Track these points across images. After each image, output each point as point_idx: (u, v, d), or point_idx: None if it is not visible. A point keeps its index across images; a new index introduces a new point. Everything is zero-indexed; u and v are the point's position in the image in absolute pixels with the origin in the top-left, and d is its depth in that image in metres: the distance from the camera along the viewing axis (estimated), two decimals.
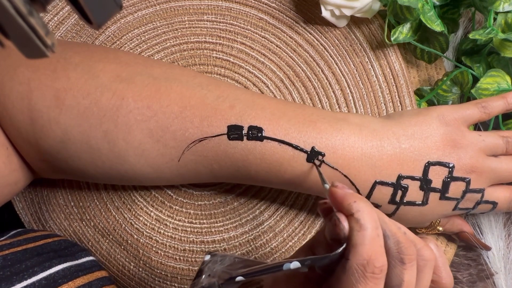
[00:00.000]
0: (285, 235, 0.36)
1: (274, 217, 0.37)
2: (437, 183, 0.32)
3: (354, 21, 0.39)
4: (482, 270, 0.37)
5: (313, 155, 0.30)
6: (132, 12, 0.39)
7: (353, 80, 0.38)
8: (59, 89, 0.30)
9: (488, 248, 0.37)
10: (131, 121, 0.30)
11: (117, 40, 0.39)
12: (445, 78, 0.38)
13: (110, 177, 0.33)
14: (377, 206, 0.32)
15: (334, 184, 0.25)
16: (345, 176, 0.31)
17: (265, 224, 0.37)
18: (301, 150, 0.30)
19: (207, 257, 0.25)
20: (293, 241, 0.36)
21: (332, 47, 0.39)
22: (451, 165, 0.31)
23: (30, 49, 0.17)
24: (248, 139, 0.30)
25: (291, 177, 0.31)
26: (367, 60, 0.39)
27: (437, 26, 0.36)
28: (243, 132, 0.30)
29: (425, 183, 0.31)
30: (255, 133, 0.30)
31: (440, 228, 0.35)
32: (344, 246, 0.23)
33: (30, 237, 0.32)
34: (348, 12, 0.37)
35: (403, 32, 0.38)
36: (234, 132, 0.30)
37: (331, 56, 0.39)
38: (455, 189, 0.32)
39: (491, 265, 0.37)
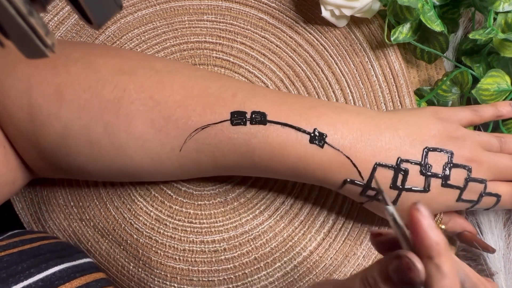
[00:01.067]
0: (285, 235, 0.36)
1: (274, 217, 0.37)
2: (437, 168, 0.31)
3: (354, 21, 0.39)
4: (482, 270, 0.37)
5: (316, 136, 0.31)
6: (132, 12, 0.39)
7: (353, 80, 0.38)
8: (59, 83, 0.30)
9: (491, 250, 0.36)
10: (132, 112, 0.30)
11: (117, 40, 0.39)
12: (445, 78, 0.38)
13: (109, 172, 0.32)
14: (380, 191, 0.32)
15: (416, 206, 0.21)
16: (347, 157, 0.31)
17: (265, 224, 0.37)
18: (304, 131, 0.30)
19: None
20: (293, 241, 0.36)
21: (332, 47, 0.39)
22: (449, 151, 0.32)
23: (30, 49, 0.17)
24: (251, 123, 0.30)
25: (295, 161, 0.31)
26: (367, 60, 0.39)
27: (437, 26, 0.36)
28: (246, 117, 0.30)
29: (425, 168, 0.31)
30: (258, 118, 0.30)
31: (443, 226, 0.35)
32: None
33: (27, 239, 0.31)
34: (348, 12, 0.37)
35: (403, 32, 0.38)
36: (237, 117, 0.30)
37: (331, 56, 0.39)
38: (457, 176, 0.32)
39: (491, 265, 0.37)
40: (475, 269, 0.37)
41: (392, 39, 0.37)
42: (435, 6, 0.39)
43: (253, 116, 0.30)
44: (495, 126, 0.39)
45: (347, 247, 0.37)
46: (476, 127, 0.40)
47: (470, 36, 0.36)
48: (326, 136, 0.31)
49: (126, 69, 0.31)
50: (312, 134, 0.31)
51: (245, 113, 0.30)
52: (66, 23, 0.39)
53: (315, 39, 0.39)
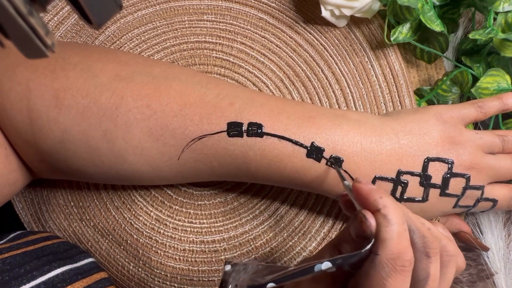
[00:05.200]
0: (285, 235, 0.36)
1: (274, 217, 0.37)
2: (436, 179, 0.32)
3: (354, 21, 0.39)
4: (482, 270, 0.37)
5: (313, 151, 0.30)
6: (132, 12, 0.39)
7: (353, 80, 0.38)
8: (58, 88, 0.30)
9: (486, 249, 0.37)
10: (130, 120, 0.30)
11: (117, 40, 0.39)
12: (445, 78, 0.38)
13: (109, 176, 0.33)
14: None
15: (357, 179, 0.25)
16: (345, 171, 0.31)
17: (265, 224, 0.37)
18: (301, 145, 0.30)
19: (228, 267, 0.25)
20: (293, 241, 0.36)
21: (332, 47, 0.39)
22: (450, 161, 0.31)
23: (30, 49, 0.17)
24: (248, 135, 0.30)
25: (291, 173, 0.31)
26: (367, 60, 0.39)
27: (436, 26, 0.36)
28: (243, 128, 0.30)
29: (424, 179, 0.31)
30: (255, 129, 0.30)
31: None
32: (372, 242, 0.23)
33: (30, 240, 0.31)
34: (348, 12, 0.37)
35: (402, 32, 0.38)
36: (234, 129, 0.30)
37: (331, 56, 0.39)
38: (455, 185, 0.32)
39: (491, 265, 0.37)
40: (475, 269, 0.38)
41: (392, 39, 0.37)
42: (435, 6, 0.39)
43: (250, 128, 0.30)
44: (495, 126, 0.39)
45: None
46: (476, 125, 0.40)
47: (470, 36, 0.36)
48: (323, 150, 0.30)
49: (124, 75, 0.31)
50: (309, 148, 0.30)
51: (241, 124, 0.30)
52: (66, 23, 0.39)
53: (315, 39, 0.39)
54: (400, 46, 0.40)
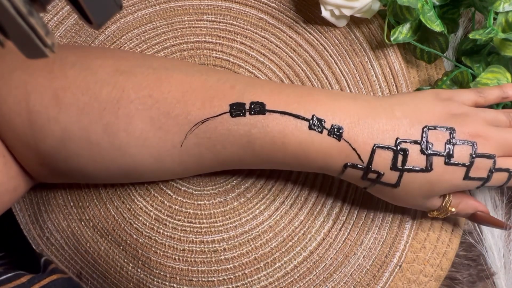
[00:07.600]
0: (285, 235, 0.36)
1: (274, 216, 0.37)
2: (439, 147, 0.31)
3: (354, 21, 0.39)
4: (482, 270, 0.37)
5: (314, 122, 0.31)
6: (132, 12, 0.39)
7: (353, 80, 0.38)
8: (57, 88, 0.30)
9: (504, 226, 0.34)
10: (132, 112, 0.30)
11: (117, 40, 0.39)
12: (445, 78, 0.38)
13: (110, 173, 0.32)
14: (380, 174, 0.32)
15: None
16: (345, 141, 0.31)
17: (265, 224, 0.37)
18: (303, 118, 0.31)
19: None
20: (293, 241, 0.36)
21: (332, 47, 0.39)
22: (451, 128, 0.31)
23: (30, 49, 0.17)
24: (250, 114, 0.31)
25: (295, 148, 0.31)
26: (367, 60, 0.39)
27: (436, 26, 0.36)
28: (245, 107, 0.31)
29: (425, 146, 0.31)
30: (257, 108, 0.31)
31: (453, 209, 0.33)
32: None
33: None
34: (347, 12, 0.37)
35: (402, 32, 0.38)
36: (237, 109, 0.31)
37: (331, 56, 0.39)
38: (461, 152, 0.31)
39: (491, 265, 0.37)
40: (475, 269, 0.38)
41: (392, 39, 0.37)
42: (435, 6, 0.39)
43: (252, 106, 0.31)
44: None
45: (347, 247, 0.37)
46: None
47: (470, 36, 0.36)
48: (324, 121, 0.31)
49: (124, 69, 0.31)
50: (311, 121, 0.31)
51: (244, 104, 0.31)
52: (65, 23, 0.39)
53: (315, 39, 0.39)
54: (400, 46, 0.40)
